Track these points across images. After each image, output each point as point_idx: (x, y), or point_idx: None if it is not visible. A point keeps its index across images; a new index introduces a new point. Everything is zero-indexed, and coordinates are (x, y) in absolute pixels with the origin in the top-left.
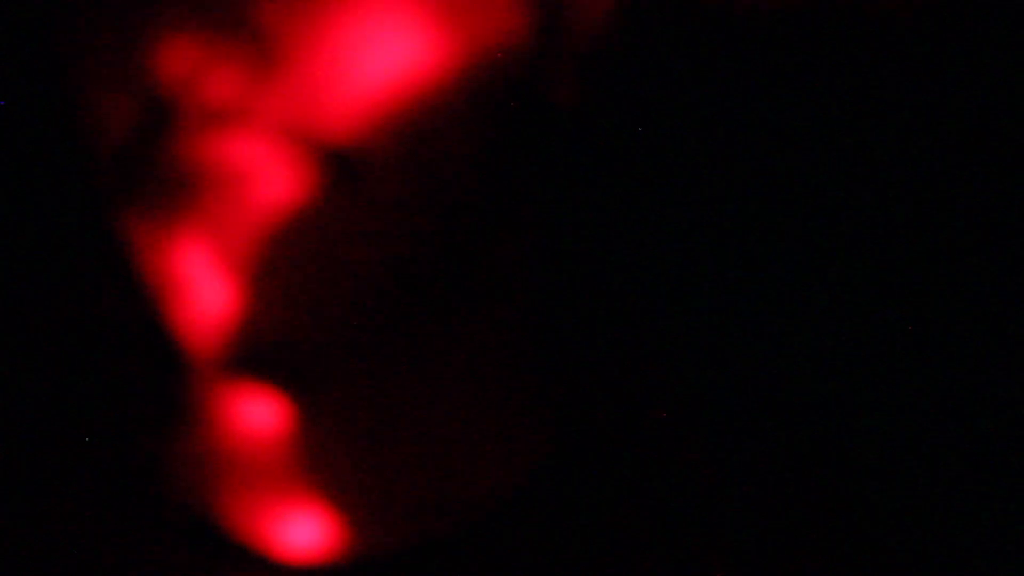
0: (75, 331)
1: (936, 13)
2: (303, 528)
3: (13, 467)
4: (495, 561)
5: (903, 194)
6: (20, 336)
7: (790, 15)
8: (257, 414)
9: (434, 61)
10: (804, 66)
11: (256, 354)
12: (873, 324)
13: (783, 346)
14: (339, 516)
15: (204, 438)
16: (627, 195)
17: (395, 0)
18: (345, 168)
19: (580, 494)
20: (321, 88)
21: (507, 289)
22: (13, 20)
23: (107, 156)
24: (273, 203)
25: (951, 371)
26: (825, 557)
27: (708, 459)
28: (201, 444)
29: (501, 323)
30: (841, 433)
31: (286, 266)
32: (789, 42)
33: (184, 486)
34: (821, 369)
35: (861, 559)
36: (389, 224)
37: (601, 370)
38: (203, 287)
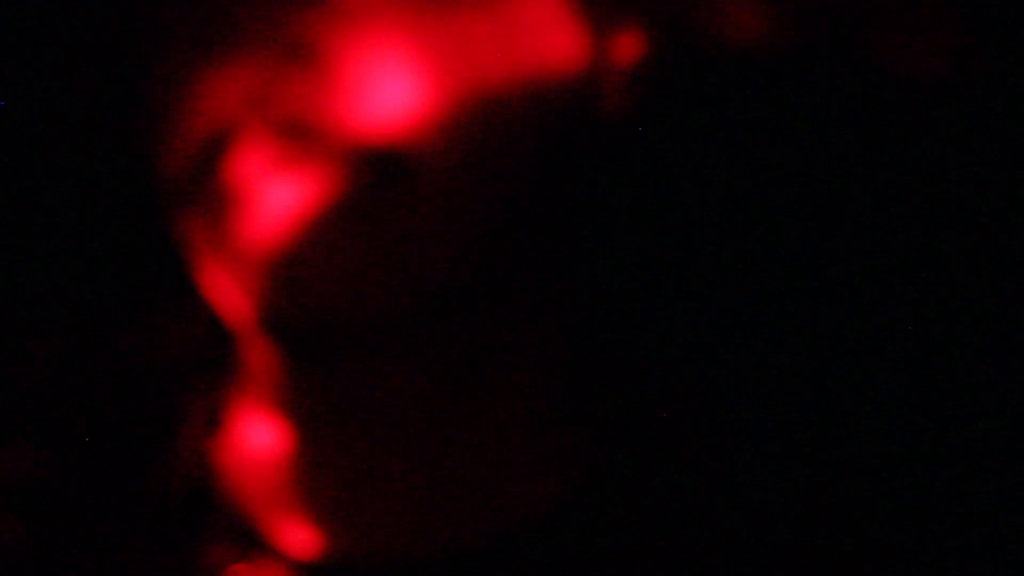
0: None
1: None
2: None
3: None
4: (527, 572)
5: (904, 196)
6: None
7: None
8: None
9: (490, 73)
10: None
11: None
12: (881, 329)
13: (821, 370)
14: (375, 522)
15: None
16: (672, 212)
17: (450, 16)
18: (400, 168)
19: (612, 512)
20: (378, 94)
21: (549, 302)
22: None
23: (173, 169)
24: (327, 200)
25: (951, 371)
26: (849, 562)
27: (740, 480)
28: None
29: (541, 336)
30: (858, 437)
31: (337, 259)
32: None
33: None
34: (847, 388)
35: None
36: (437, 225)
37: (636, 388)
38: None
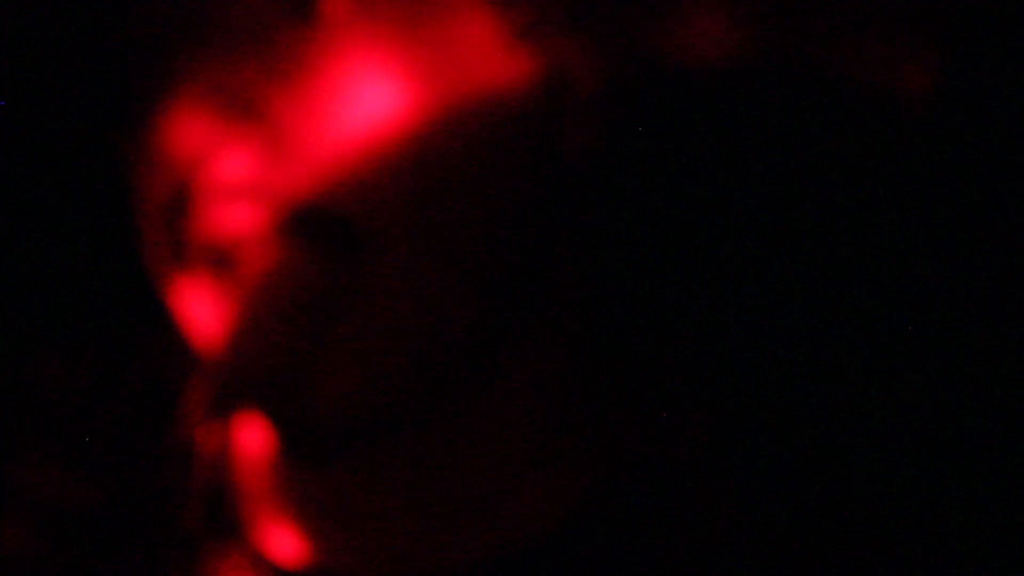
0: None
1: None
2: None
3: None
4: None
5: (879, 208)
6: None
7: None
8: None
9: (432, 123)
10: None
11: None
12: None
13: (817, 376)
14: (367, 540)
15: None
16: (643, 238)
17: (386, 68)
18: (351, 237)
19: (615, 534)
20: (320, 160)
21: (538, 328)
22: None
23: (149, 221)
24: (279, 267)
25: (950, 372)
26: (853, 563)
27: (743, 496)
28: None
29: (537, 361)
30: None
31: (297, 330)
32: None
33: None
34: (847, 392)
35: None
36: (396, 290)
37: (632, 413)
38: (217, 333)
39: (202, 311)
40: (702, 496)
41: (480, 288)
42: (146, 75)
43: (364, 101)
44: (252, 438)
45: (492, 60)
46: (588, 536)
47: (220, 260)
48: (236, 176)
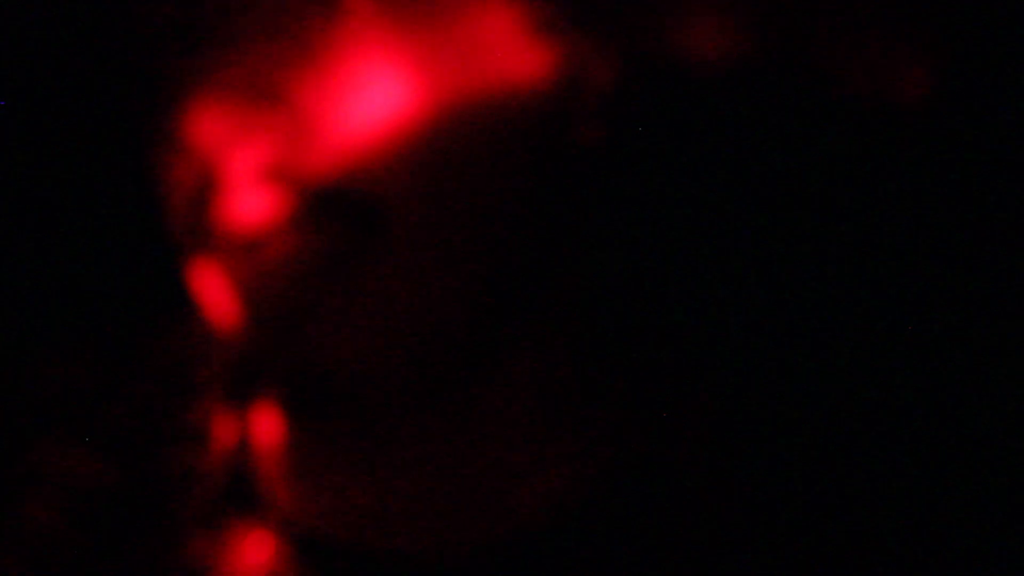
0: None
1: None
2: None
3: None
4: (559, 563)
5: (875, 210)
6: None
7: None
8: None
9: (448, 112)
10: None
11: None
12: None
13: (815, 370)
14: (398, 518)
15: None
16: (652, 228)
17: (406, 59)
18: (370, 218)
19: (616, 515)
20: (341, 146)
21: (545, 317)
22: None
23: (173, 206)
24: (298, 246)
25: (951, 371)
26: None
27: (744, 477)
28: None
29: (542, 350)
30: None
31: (312, 305)
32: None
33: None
34: (844, 388)
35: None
36: (412, 269)
37: (637, 393)
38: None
39: (223, 294)
40: (704, 489)
41: (493, 272)
42: (172, 63)
43: (384, 90)
44: (268, 417)
45: (508, 53)
46: (594, 523)
47: (242, 244)
48: (259, 161)
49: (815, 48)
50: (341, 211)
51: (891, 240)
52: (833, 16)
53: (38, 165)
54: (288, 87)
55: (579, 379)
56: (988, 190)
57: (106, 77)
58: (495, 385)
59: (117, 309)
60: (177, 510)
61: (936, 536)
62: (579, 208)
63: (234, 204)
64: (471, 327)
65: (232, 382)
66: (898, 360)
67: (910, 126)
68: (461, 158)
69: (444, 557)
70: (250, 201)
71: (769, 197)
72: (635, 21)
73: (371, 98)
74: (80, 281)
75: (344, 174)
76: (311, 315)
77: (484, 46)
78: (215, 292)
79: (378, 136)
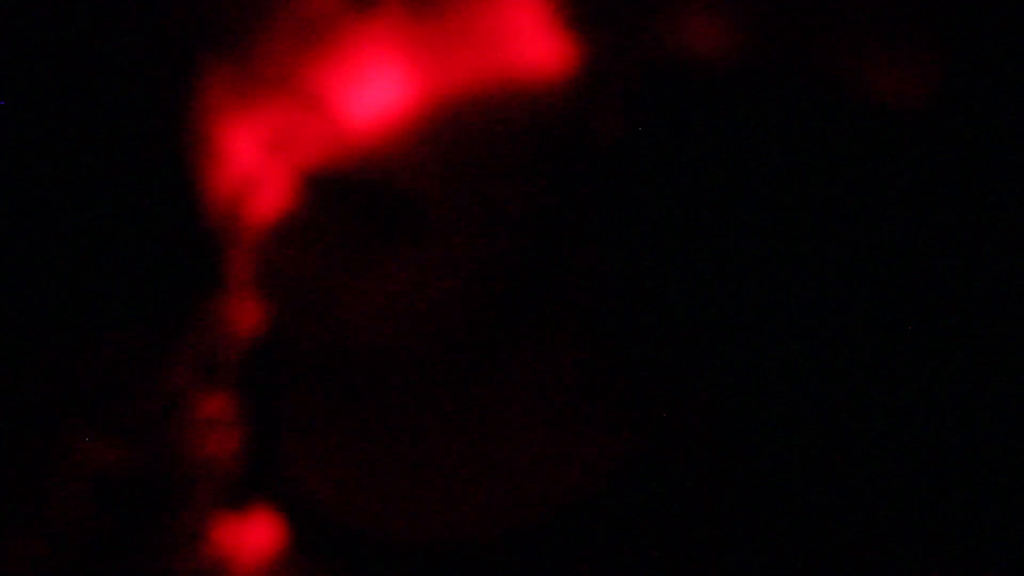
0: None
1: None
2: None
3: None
4: (568, 553)
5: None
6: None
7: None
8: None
9: (471, 100)
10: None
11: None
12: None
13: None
14: (426, 507)
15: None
16: (671, 217)
17: (430, 52)
18: (401, 208)
19: (637, 506)
20: (371, 136)
21: (571, 308)
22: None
23: (206, 199)
24: (334, 238)
25: (951, 371)
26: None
27: (761, 470)
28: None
29: (567, 341)
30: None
31: (367, 298)
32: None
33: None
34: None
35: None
36: (441, 259)
37: (659, 389)
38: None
39: (253, 281)
40: (714, 486)
41: (515, 263)
42: (207, 61)
43: (406, 81)
44: (291, 405)
45: (527, 46)
46: (608, 515)
47: (271, 232)
48: (290, 156)
49: (824, 47)
50: (370, 201)
51: (889, 238)
52: (832, 15)
53: (66, 160)
54: (313, 81)
55: (598, 373)
56: (988, 190)
57: (147, 75)
58: (515, 376)
59: (143, 300)
60: (198, 495)
61: (936, 535)
62: (597, 202)
63: (265, 195)
64: (492, 317)
65: (256, 370)
66: (899, 359)
67: (908, 124)
68: (485, 149)
69: (458, 546)
70: (279, 192)
71: (785, 195)
72: (653, 17)
73: (393, 89)
74: (107, 274)
75: (371, 165)
76: (338, 300)
77: (502, 38)
78: (245, 280)
79: (406, 127)
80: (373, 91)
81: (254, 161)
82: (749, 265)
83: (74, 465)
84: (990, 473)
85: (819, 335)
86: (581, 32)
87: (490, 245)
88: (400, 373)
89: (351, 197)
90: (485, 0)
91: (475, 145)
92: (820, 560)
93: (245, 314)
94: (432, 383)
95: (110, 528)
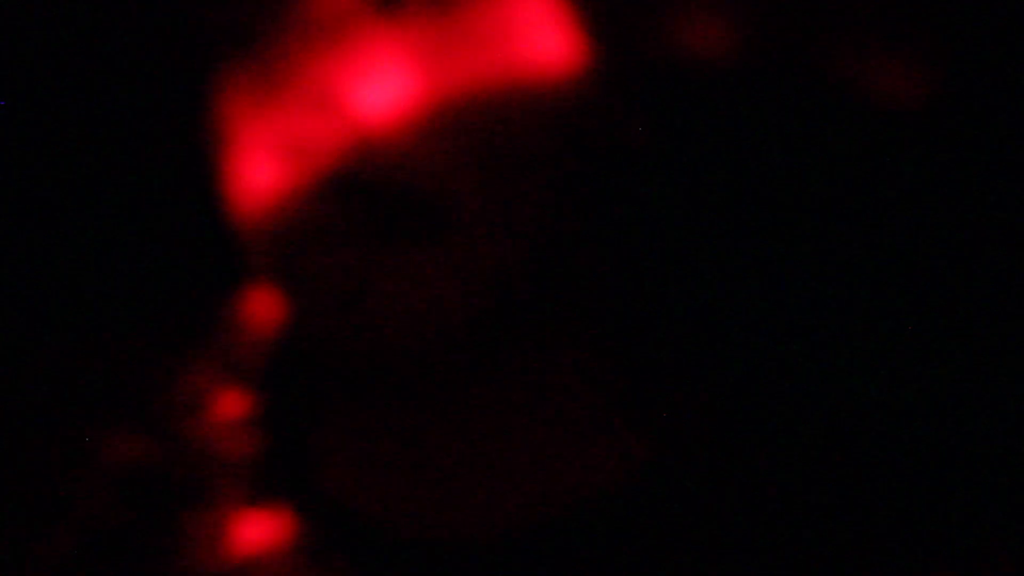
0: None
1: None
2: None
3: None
4: (586, 550)
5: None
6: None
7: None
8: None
9: (507, 109)
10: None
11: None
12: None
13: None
14: (453, 502)
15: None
16: (698, 223)
17: (445, 50)
18: (436, 216)
19: (659, 505)
20: (410, 147)
21: (590, 309)
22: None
23: (235, 206)
24: (356, 238)
25: (951, 372)
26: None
27: (792, 464)
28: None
29: (586, 341)
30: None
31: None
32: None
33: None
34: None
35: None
36: (462, 258)
37: (686, 380)
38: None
39: (277, 280)
40: (735, 487)
41: (536, 262)
42: (226, 61)
43: (433, 85)
44: (314, 402)
45: (551, 46)
46: (628, 513)
47: (295, 234)
48: (311, 157)
49: (812, 49)
50: (392, 201)
51: (888, 239)
52: (832, 16)
53: (94, 160)
54: (333, 82)
55: (619, 373)
56: (988, 190)
57: (169, 74)
58: (534, 376)
59: (168, 300)
60: (221, 493)
61: (935, 534)
62: (619, 201)
63: (286, 196)
64: (512, 317)
65: (280, 370)
66: (897, 360)
67: (907, 124)
68: (505, 148)
69: (479, 544)
70: (301, 192)
71: (768, 199)
72: (671, 14)
73: (413, 89)
74: (133, 273)
75: (393, 165)
76: (359, 300)
77: (520, 37)
78: (268, 280)
79: (427, 128)
80: (393, 92)
81: (275, 162)
82: (770, 270)
83: (100, 461)
84: (989, 474)
85: (827, 337)
86: (600, 30)
87: (512, 245)
88: (422, 372)
89: (372, 197)
90: None
91: (496, 144)
92: (831, 563)
93: (269, 314)
94: (453, 382)
95: (135, 526)
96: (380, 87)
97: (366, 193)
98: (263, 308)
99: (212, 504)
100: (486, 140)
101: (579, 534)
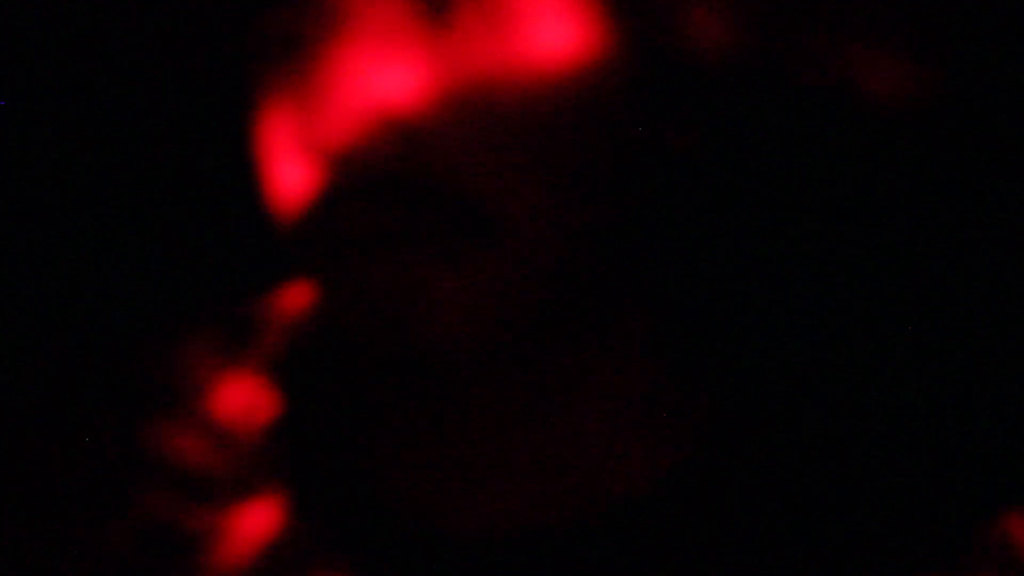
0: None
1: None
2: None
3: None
4: (632, 547)
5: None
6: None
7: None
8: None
9: (555, 111)
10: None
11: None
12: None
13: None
14: (492, 497)
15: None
16: (747, 222)
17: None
18: (483, 217)
19: (714, 491)
20: (459, 151)
21: (632, 305)
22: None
23: (280, 209)
24: (405, 237)
25: (951, 372)
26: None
27: (837, 461)
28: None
29: (631, 342)
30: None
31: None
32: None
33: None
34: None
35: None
36: (523, 263)
37: (732, 375)
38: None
39: (326, 276)
40: (784, 487)
41: (584, 260)
42: (264, 61)
43: (481, 87)
44: (362, 397)
45: (599, 48)
46: (673, 510)
47: (345, 231)
48: (360, 163)
49: (810, 49)
50: (438, 203)
51: (888, 240)
52: (831, 16)
53: (146, 158)
54: (376, 82)
55: (666, 370)
56: (988, 190)
57: (208, 74)
58: (585, 370)
59: (221, 296)
60: (256, 486)
61: (938, 536)
62: (668, 204)
63: (335, 203)
64: (559, 316)
65: (320, 370)
66: (898, 361)
67: (907, 126)
68: (552, 151)
69: (517, 540)
70: (345, 195)
71: (770, 200)
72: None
73: (463, 92)
74: (186, 270)
75: (438, 168)
76: (408, 302)
77: (565, 37)
78: (316, 282)
79: (472, 130)
80: (440, 94)
81: (320, 166)
82: (813, 273)
83: (154, 461)
84: (991, 474)
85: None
86: (615, 15)
87: (560, 245)
88: (467, 373)
89: (419, 200)
90: None
91: (543, 144)
92: (873, 564)
93: (313, 314)
94: (498, 384)
95: (188, 523)
96: (426, 90)
97: (414, 196)
98: (309, 310)
99: (248, 500)
100: (533, 140)
101: (619, 533)
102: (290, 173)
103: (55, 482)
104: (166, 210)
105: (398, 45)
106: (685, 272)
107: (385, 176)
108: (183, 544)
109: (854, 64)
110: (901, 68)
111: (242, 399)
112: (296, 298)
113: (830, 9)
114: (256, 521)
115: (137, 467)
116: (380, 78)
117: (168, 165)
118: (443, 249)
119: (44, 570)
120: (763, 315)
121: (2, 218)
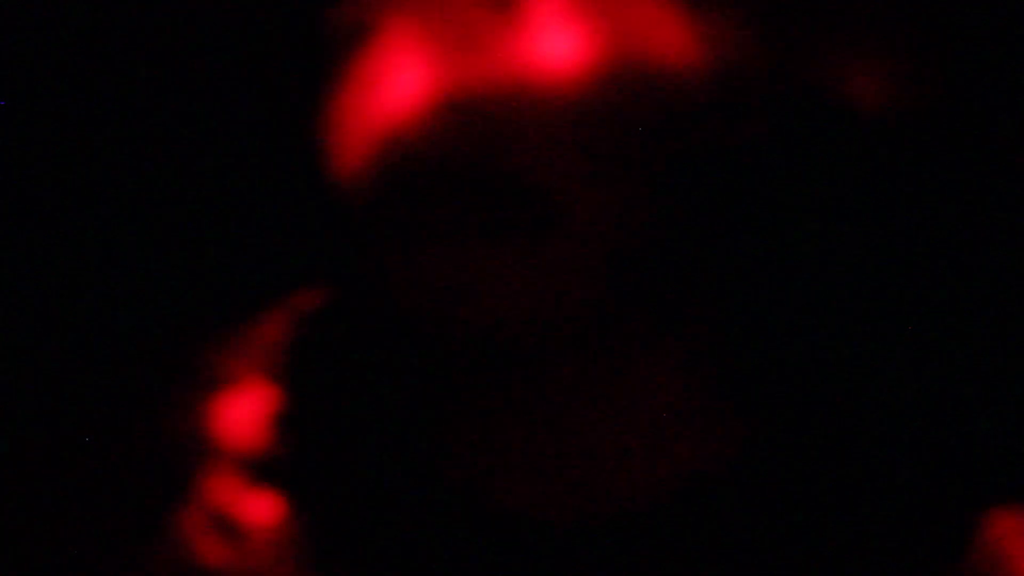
0: None
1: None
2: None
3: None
4: (679, 539)
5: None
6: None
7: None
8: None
9: (619, 102)
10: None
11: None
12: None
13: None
14: (540, 486)
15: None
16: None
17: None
18: (546, 207)
19: (762, 486)
20: (521, 140)
21: (687, 300)
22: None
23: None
24: (470, 225)
25: (952, 374)
26: None
27: (877, 458)
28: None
29: (687, 335)
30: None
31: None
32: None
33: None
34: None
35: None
36: (584, 254)
37: (780, 373)
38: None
39: (391, 266)
40: (834, 479)
41: (646, 251)
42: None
43: (547, 78)
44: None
45: (669, 41)
46: (726, 501)
47: (408, 230)
48: (422, 152)
49: (809, 55)
50: (502, 193)
51: (888, 243)
52: (830, 23)
53: (205, 155)
54: (433, 69)
55: (721, 362)
56: (988, 191)
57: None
58: (642, 360)
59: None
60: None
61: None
62: (730, 197)
63: (396, 191)
64: (622, 305)
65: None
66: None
67: (907, 130)
68: (615, 142)
69: (576, 524)
70: (407, 188)
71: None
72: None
73: (527, 83)
74: (250, 263)
75: (500, 158)
76: (470, 292)
77: (636, 27)
78: (384, 261)
79: (534, 120)
80: (500, 82)
81: (380, 154)
82: (873, 267)
83: (220, 448)
84: (992, 474)
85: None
86: (718, 25)
87: (621, 241)
88: (532, 363)
89: (481, 188)
90: None
91: (606, 134)
92: (937, 554)
93: (377, 306)
94: (553, 371)
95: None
96: (496, 79)
97: (480, 185)
98: (372, 302)
99: (247, 498)
100: (602, 134)
101: (682, 519)
102: (358, 161)
103: (55, 482)
104: (228, 203)
105: (467, 34)
106: (739, 271)
107: (451, 165)
108: (183, 544)
109: (849, 68)
110: (901, 71)
111: (249, 405)
112: (308, 302)
113: (830, 9)
114: (256, 521)
115: (137, 467)
116: (449, 67)
117: (228, 159)
118: (506, 239)
119: (44, 570)
120: (808, 321)
121: (10, 223)
